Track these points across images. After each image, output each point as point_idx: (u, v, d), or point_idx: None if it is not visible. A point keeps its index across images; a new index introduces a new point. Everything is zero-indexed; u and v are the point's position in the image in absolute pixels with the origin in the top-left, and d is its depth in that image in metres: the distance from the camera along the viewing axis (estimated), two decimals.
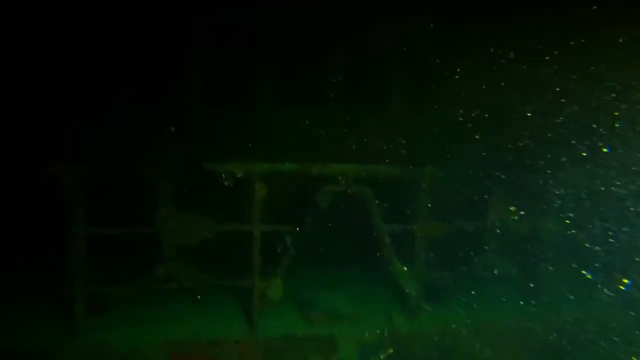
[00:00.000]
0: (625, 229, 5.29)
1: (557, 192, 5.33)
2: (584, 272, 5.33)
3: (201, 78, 6.70)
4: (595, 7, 5.24)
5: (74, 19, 6.17)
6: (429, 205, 5.30)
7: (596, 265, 5.32)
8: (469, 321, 5.28)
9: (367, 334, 5.19)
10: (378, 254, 5.40)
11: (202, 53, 6.63)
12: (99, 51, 6.19)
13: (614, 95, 5.37)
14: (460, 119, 6.12)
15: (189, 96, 6.66)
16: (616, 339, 5.06)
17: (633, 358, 4.97)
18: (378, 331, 5.21)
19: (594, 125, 5.40)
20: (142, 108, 6.42)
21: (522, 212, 5.52)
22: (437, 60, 6.48)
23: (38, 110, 6.01)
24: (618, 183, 5.24)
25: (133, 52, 6.35)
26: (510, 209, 5.53)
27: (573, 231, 5.34)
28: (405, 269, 5.39)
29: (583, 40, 5.43)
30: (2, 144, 5.65)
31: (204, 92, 6.69)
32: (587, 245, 5.38)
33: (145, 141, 5.97)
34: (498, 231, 5.57)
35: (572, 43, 5.42)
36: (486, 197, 5.58)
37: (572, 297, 5.47)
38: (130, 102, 6.40)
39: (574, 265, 5.29)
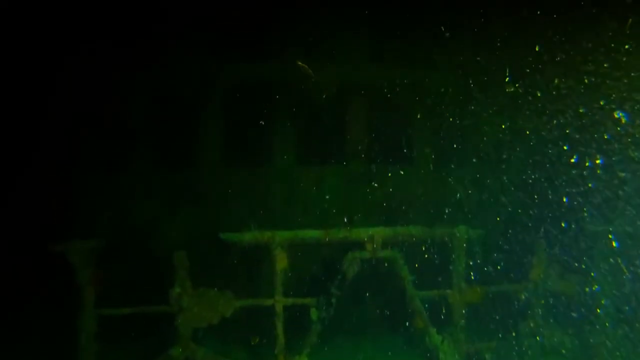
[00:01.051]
0: None
1: (609, 247, 4.84)
2: None
3: (218, 137, 6.45)
4: None
5: (88, 86, 6.15)
6: (465, 268, 4.87)
7: None
8: None
9: None
10: (412, 324, 4.94)
11: (219, 111, 6.42)
12: (107, 116, 6.08)
13: None
14: (493, 172, 5.75)
15: (204, 156, 6.41)
16: None
17: None
18: None
19: None
20: (156, 172, 6.21)
21: (568, 271, 5.03)
22: (463, 111, 6.16)
23: (47, 178, 5.86)
24: None
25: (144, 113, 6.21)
26: (555, 267, 5.06)
27: (631, 289, 4.81)
28: (443, 339, 4.91)
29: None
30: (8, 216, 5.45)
31: (221, 151, 6.42)
32: None
33: (158, 210, 5.72)
34: (542, 293, 5.08)
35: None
36: (527, 256, 5.12)
37: None
38: (143, 165, 6.20)
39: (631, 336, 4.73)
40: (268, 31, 6.18)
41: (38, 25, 5.91)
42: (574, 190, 5.22)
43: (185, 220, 5.84)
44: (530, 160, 5.77)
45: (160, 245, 5.06)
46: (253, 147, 6.41)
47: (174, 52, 6.26)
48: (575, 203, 5.09)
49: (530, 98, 5.75)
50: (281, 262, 4.68)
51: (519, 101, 5.81)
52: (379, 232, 4.77)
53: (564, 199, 5.15)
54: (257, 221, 4.81)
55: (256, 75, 6.29)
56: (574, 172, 5.16)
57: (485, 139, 6.17)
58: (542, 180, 5.40)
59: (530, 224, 5.20)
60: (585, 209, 5.02)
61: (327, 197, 5.97)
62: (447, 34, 5.87)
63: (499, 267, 5.09)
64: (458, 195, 5.79)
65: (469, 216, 5.15)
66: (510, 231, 5.26)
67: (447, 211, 5.55)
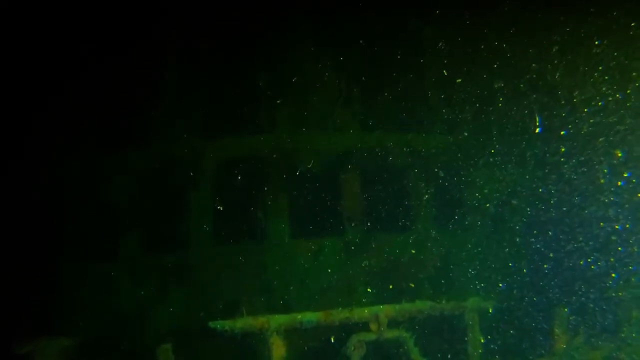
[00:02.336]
0: None
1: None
2: None
3: (208, 214, 6.08)
4: None
5: (71, 166, 5.92)
6: (482, 346, 4.41)
7: None
8: None
9: None
10: None
11: (209, 188, 6.12)
12: (90, 198, 5.80)
13: None
14: (499, 234, 5.41)
15: (194, 236, 6.00)
16: None
17: None
18: None
19: None
20: (143, 256, 5.84)
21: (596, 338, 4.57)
22: (461, 173, 5.90)
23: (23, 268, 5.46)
24: None
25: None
26: (581, 335, 4.60)
27: None
28: None
29: None
30: None
31: (212, 230, 6.01)
32: None
33: (145, 298, 5.31)
34: None
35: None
36: (548, 326, 4.67)
37: None
38: (129, 250, 5.83)
39: None
40: (258, 104, 6.04)
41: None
42: (592, 248, 4.86)
43: (174, 306, 5.41)
44: (540, 220, 5.44)
45: (146, 337, 4.60)
46: (245, 223, 6.05)
47: (161, 128, 6.08)
48: (598, 264, 4.71)
49: (532, 161, 5.52)
50: (278, 350, 4.22)
51: (521, 160, 5.57)
52: (384, 310, 4.35)
53: (584, 260, 4.77)
54: (250, 303, 4.42)
55: (246, 149, 6.07)
56: (594, 231, 4.81)
57: (487, 199, 5.86)
58: (558, 240, 5.04)
59: (548, 290, 4.79)
60: (610, 267, 4.64)
61: (325, 271, 5.57)
62: (442, 96, 5.72)
63: (518, 342, 4.63)
64: (464, 262, 5.41)
65: (480, 285, 4.74)
66: (525, 299, 4.83)
67: (454, 280, 5.15)
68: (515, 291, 4.83)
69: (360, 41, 5.88)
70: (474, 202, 5.94)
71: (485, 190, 5.84)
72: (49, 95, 5.78)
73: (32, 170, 5.76)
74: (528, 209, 5.63)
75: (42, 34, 5.74)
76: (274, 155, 5.97)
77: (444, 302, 4.45)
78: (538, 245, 5.19)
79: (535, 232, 5.34)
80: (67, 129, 5.94)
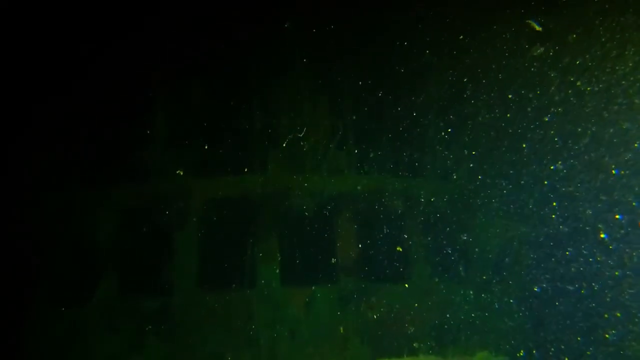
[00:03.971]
0: None
1: None
2: None
3: (194, 257, 5.76)
4: None
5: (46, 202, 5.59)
6: None
7: None
8: None
9: None
10: None
11: (195, 229, 5.81)
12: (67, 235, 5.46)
13: None
14: (500, 284, 5.12)
15: (178, 280, 5.67)
16: None
17: None
18: None
19: None
20: (122, 301, 5.46)
21: None
22: (460, 220, 5.66)
23: None
24: None
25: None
26: None
27: None
28: None
29: None
30: None
31: (197, 274, 5.71)
32: None
33: (121, 347, 4.89)
34: None
35: None
36: None
37: None
38: (107, 293, 5.45)
39: None
40: (251, 144, 5.87)
41: None
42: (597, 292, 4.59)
43: (151, 357, 4.98)
44: (541, 266, 5.19)
45: None
46: (232, 267, 5.74)
47: (148, 166, 5.83)
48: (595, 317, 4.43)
49: (530, 205, 5.34)
50: None
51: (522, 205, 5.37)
52: None
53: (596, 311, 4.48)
54: (236, 357, 4.02)
55: (237, 189, 5.84)
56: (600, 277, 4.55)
57: (488, 246, 5.61)
58: (562, 287, 4.77)
59: (557, 343, 4.46)
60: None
61: (317, 321, 5.20)
62: (438, 140, 5.57)
63: None
64: (468, 313, 5.07)
65: (488, 337, 4.40)
66: (534, 353, 4.50)
67: (459, 333, 4.79)
68: (524, 344, 4.49)
69: (356, 85, 5.78)
70: (475, 249, 5.70)
71: (486, 237, 5.60)
72: (25, 127, 5.55)
73: (7, 205, 5.44)
74: (531, 255, 5.39)
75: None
76: (266, 197, 5.75)
77: (449, 357, 4.09)
78: (543, 294, 4.90)
79: (541, 279, 5.06)
80: (48, 161, 5.65)
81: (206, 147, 5.86)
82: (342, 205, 5.87)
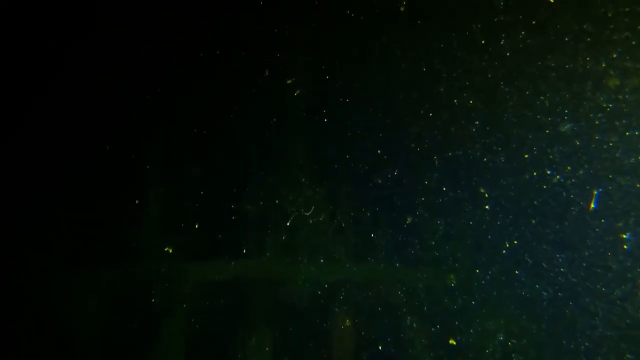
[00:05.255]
0: None
1: None
2: None
3: (181, 346, 5.42)
4: None
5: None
6: None
7: None
8: None
9: None
10: None
11: (183, 317, 5.49)
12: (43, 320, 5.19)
13: None
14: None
15: None
16: None
17: None
18: None
19: None
20: None
21: None
22: (462, 310, 5.43)
23: None
24: None
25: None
26: None
27: None
28: None
29: None
30: None
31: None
32: None
33: None
34: None
35: None
36: None
37: None
38: None
39: None
40: (245, 228, 5.60)
41: None
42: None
43: None
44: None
45: None
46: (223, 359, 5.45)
47: (136, 246, 5.56)
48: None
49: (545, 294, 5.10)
50: None
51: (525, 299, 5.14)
52: None
53: None
54: None
55: (230, 274, 5.57)
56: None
57: (492, 340, 5.34)
58: None
59: None
60: None
61: None
62: (438, 228, 5.43)
63: None
64: None
65: None
66: None
67: None
68: None
69: (355, 172, 5.73)
70: (478, 342, 5.42)
71: (488, 331, 5.33)
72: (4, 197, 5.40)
73: None
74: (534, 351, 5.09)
75: None
76: (259, 284, 5.51)
77: None
78: None
79: None
80: (23, 239, 5.48)
81: (197, 227, 5.71)
82: (339, 295, 5.69)
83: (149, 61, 5.35)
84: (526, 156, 4.09)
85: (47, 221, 5.57)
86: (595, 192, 3.91)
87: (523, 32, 3.83)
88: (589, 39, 3.61)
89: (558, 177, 4.13)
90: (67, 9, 5.15)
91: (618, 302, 3.90)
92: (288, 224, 5.56)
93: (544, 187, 4.25)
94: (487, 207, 4.75)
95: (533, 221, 4.41)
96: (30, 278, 5.45)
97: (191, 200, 5.77)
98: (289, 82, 5.14)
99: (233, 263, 5.56)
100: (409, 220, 5.41)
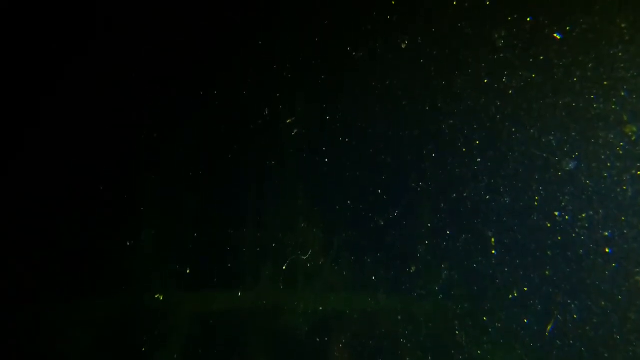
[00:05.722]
0: None
1: None
2: None
3: None
4: None
5: None
6: None
7: None
8: None
9: None
10: None
11: (177, 344, 5.32)
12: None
13: None
14: None
15: None
16: None
17: None
18: None
19: None
20: None
21: None
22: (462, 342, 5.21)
23: None
24: None
25: None
26: None
27: None
28: None
29: None
30: None
31: None
32: None
33: None
34: None
35: None
36: None
37: None
38: None
39: None
40: (242, 258, 5.45)
41: None
42: None
43: None
44: None
45: None
46: None
47: (129, 276, 5.41)
48: None
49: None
50: None
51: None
52: None
53: None
54: None
55: (225, 305, 5.47)
56: None
57: None
58: None
59: None
60: None
61: None
62: (437, 256, 5.28)
63: None
64: None
65: None
66: None
67: None
68: None
69: (353, 201, 5.62)
70: None
71: None
72: None
73: None
74: None
75: None
76: (255, 315, 5.37)
77: None
78: None
79: None
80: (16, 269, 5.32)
81: (193, 259, 5.57)
82: (336, 325, 5.52)
83: (148, 101, 5.32)
84: (536, 197, 3.94)
85: (42, 251, 5.44)
86: (607, 234, 3.74)
87: (527, 70, 3.75)
88: (596, 77, 3.53)
89: (567, 217, 3.97)
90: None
91: (636, 351, 3.67)
92: (286, 263, 5.44)
93: (553, 229, 4.08)
94: (493, 251, 4.59)
95: (542, 265, 4.23)
96: (24, 309, 5.27)
97: (187, 231, 5.68)
98: (288, 121, 5.06)
99: (228, 294, 5.45)
100: (412, 268, 5.26)
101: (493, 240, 4.48)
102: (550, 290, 4.19)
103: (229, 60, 5.05)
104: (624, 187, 3.78)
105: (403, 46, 4.06)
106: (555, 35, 3.54)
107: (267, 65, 4.88)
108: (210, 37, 4.90)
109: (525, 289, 4.28)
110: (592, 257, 3.85)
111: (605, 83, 3.55)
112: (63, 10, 5.14)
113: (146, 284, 5.44)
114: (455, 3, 3.96)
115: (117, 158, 5.53)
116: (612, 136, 3.66)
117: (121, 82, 5.31)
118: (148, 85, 5.31)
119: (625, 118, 3.48)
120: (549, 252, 4.17)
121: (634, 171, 3.60)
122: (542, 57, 3.60)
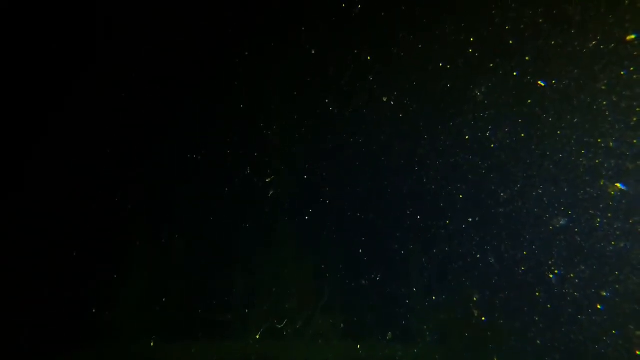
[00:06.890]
0: None
1: None
2: None
3: None
4: None
5: None
6: None
7: None
8: None
9: None
10: None
11: None
12: None
13: None
14: None
15: None
16: None
17: None
18: None
19: None
20: None
21: None
22: None
23: None
24: None
25: None
26: None
27: None
28: None
29: None
30: None
31: None
32: None
33: None
34: None
35: None
36: None
37: None
38: None
39: None
40: (230, 307, 5.45)
41: None
42: None
43: None
44: None
45: None
46: None
47: (114, 328, 5.31)
48: None
49: None
50: None
51: None
52: None
53: None
54: None
55: (214, 356, 5.41)
56: None
57: None
58: None
59: None
60: None
61: None
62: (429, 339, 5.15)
63: None
64: None
65: None
66: None
67: None
68: None
69: (344, 246, 5.53)
70: None
71: None
72: None
73: None
74: None
75: None
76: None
77: None
78: None
79: None
80: None
81: (179, 308, 5.41)
82: None
83: (142, 159, 5.21)
84: (524, 253, 3.81)
85: (23, 300, 5.10)
86: (604, 294, 3.62)
87: (512, 123, 3.73)
88: (582, 128, 3.52)
89: (557, 272, 3.84)
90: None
91: None
92: (274, 301, 5.32)
93: (543, 287, 3.95)
94: (482, 318, 4.45)
95: (534, 325, 4.08)
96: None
97: (174, 280, 5.46)
98: (268, 180, 4.98)
99: (215, 344, 5.40)
100: (389, 335, 5.11)
101: (475, 298, 4.37)
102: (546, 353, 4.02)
103: (210, 122, 5.00)
104: (612, 242, 3.71)
105: (385, 99, 4.02)
106: (539, 82, 3.55)
107: (248, 124, 4.84)
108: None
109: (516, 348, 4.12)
110: (584, 314, 3.73)
111: (592, 133, 3.54)
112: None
113: (128, 335, 5.34)
114: (440, 65, 3.98)
115: (105, 203, 5.33)
116: (599, 191, 3.63)
117: (107, 129, 5.20)
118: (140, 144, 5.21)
119: (613, 171, 3.46)
120: (540, 311, 4.03)
121: (624, 223, 3.54)
122: (525, 110, 3.59)
